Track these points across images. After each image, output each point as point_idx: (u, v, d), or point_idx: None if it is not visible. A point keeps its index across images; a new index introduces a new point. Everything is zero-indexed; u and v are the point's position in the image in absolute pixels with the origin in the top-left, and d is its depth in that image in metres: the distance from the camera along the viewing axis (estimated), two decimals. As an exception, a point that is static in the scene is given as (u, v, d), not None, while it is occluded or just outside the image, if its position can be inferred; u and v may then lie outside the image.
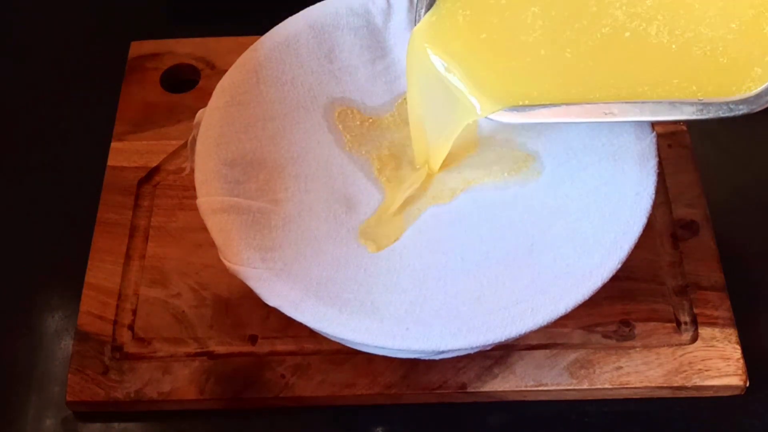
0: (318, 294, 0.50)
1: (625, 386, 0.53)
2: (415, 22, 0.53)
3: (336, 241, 0.54)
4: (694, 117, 0.46)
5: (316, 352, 0.54)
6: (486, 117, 0.50)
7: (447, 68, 0.51)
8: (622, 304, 0.55)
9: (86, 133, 0.66)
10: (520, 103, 0.49)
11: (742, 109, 0.46)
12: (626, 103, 0.48)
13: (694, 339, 0.54)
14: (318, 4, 0.59)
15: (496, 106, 0.50)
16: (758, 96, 0.46)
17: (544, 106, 0.49)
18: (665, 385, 0.53)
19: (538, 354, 0.54)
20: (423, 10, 0.52)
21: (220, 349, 0.55)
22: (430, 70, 0.52)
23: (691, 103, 0.47)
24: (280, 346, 0.55)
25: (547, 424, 0.53)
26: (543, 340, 0.54)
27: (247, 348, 0.55)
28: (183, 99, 0.65)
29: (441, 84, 0.52)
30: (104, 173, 0.62)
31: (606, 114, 0.48)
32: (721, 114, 0.46)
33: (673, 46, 0.48)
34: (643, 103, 0.48)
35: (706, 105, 0.46)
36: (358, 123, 0.59)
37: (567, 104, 0.49)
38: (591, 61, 0.49)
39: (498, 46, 0.51)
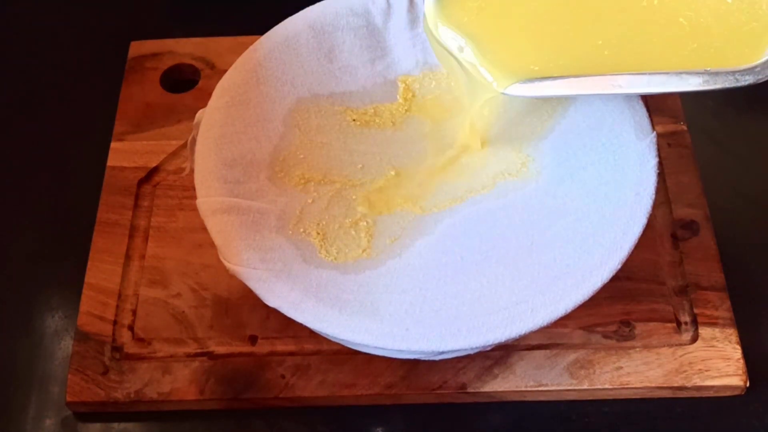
0: (318, 295, 0.50)
1: (625, 386, 0.53)
2: None
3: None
4: (700, 88, 0.46)
5: (316, 352, 0.54)
6: (503, 92, 0.50)
7: (461, 44, 0.51)
8: (622, 304, 0.55)
9: (86, 133, 0.66)
10: (533, 76, 0.49)
11: (748, 80, 0.46)
12: (634, 75, 0.48)
13: (694, 339, 0.54)
14: (318, 4, 0.59)
15: (511, 80, 0.50)
16: (764, 66, 0.46)
17: (553, 79, 0.49)
18: (665, 385, 0.53)
19: (538, 354, 0.54)
20: None
21: (220, 350, 0.55)
22: (442, 47, 0.53)
23: (698, 74, 0.46)
24: (280, 347, 0.55)
25: (547, 424, 0.53)
26: (543, 341, 0.54)
27: (247, 348, 0.55)
28: (183, 99, 0.65)
29: (455, 60, 0.52)
30: (104, 173, 0.62)
31: (613, 86, 0.48)
32: (728, 84, 0.46)
33: (682, 18, 0.48)
34: (650, 74, 0.48)
35: (712, 76, 0.46)
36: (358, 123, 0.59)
37: (574, 77, 0.49)
38: (600, 32, 0.50)
39: (508, 18, 0.51)
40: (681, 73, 0.47)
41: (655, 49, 0.49)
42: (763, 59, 0.46)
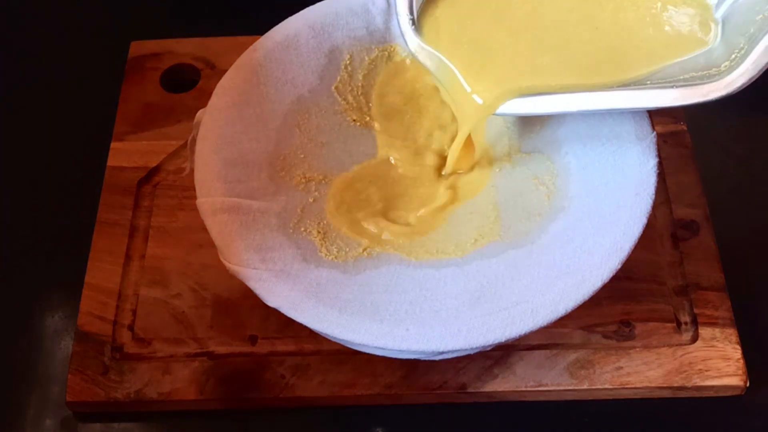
0: (318, 295, 0.50)
1: (625, 386, 0.53)
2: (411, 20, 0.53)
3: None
4: (672, 104, 0.48)
5: (316, 352, 0.54)
6: (494, 113, 0.51)
7: (445, 62, 0.52)
8: (622, 304, 0.55)
9: (86, 133, 0.66)
10: (519, 95, 0.50)
11: (716, 94, 0.47)
12: (607, 91, 0.49)
13: (694, 339, 0.54)
14: (318, 4, 0.59)
15: (501, 99, 0.50)
16: (730, 83, 0.47)
17: (534, 96, 0.50)
18: (665, 385, 0.53)
19: (538, 354, 0.54)
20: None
21: (220, 350, 0.55)
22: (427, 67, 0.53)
23: (670, 90, 0.48)
24: (280, 347, 0.55)
25: (547, 424, 0.53)
26: (543, 341, 0.54)
27: (247, 348, 0.55)
28: (183, 99, 0.65)
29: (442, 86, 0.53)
30: (104, 173, 0.62)
31: (588, 104, 0.49)
32: (697, 100, 0.47)
33: (651, 31, 0.51)
34: (625, 91, 0.49)
35: (683, 92, 0.47)
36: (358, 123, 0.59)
37: (556, 94, 0.50)
38: (577, 50, 0.51)
39: (490, 40, 0.52)
40: (653, 89, 0.48)
41: (632, 64, 0.51)
42: (730, 75, 0.47)
